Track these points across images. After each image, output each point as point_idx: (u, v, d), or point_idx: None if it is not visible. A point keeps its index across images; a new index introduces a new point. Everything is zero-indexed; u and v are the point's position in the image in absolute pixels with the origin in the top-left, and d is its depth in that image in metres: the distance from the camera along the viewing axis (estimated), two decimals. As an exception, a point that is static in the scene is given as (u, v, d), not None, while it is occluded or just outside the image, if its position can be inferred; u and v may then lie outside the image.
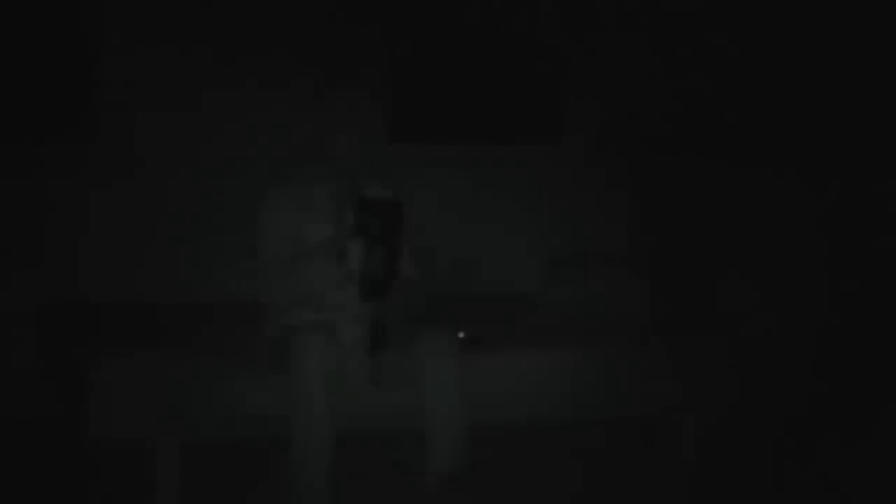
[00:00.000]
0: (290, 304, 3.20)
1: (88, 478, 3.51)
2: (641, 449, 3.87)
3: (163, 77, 4.49)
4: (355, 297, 3.17)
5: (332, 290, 3.17)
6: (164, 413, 3.20)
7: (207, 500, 3.33)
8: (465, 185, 4.89)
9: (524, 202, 4.95)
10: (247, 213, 3.31)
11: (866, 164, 4.45)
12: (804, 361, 4.36)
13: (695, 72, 4.89)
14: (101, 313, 4.04)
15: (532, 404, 3.50)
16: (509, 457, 3.62)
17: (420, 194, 4.25)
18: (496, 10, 4.91)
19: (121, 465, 3.46)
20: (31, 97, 4.39)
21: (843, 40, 4.47)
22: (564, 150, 5.00)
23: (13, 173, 4.33)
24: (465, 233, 4.85)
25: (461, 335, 3.41)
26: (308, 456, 2.94)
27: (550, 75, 5.00)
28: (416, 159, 4.70)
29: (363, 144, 3.23)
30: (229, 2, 4.54)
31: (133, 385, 3.18)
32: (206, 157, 4.55)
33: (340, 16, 4.65)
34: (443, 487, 3.01)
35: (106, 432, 3.17)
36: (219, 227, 4.48)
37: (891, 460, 3.72)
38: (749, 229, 4.70)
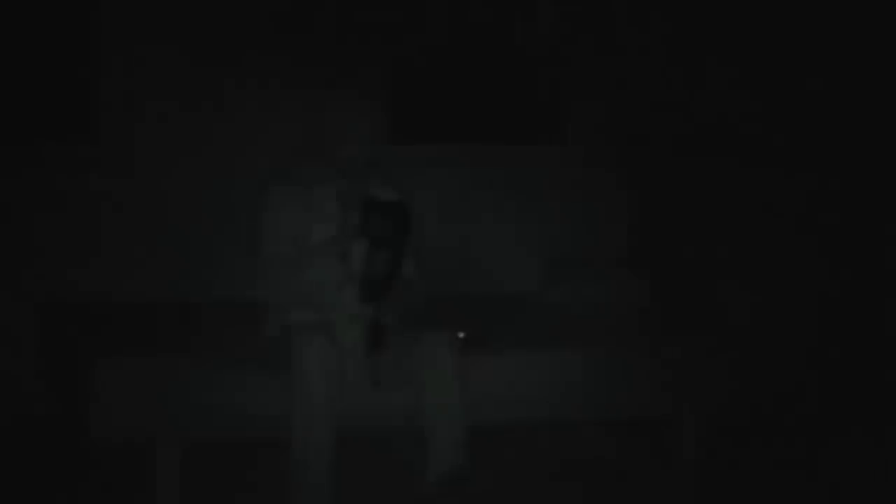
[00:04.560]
0: (291, 304, 3.19)
1: (88, 478, 3.51)
2: (641, 449, 3.87)
3: (164, 77, 4.49)
4: (355, 297, 3.16)
5: (333, 290, 3.16)
6: (164, 413, 3.20)
7: (207, 500, 3.33)
8: (465, 185, 4.89)
9: (524, 202, 4.95)
10: (247, 213, 3.31)
11: (866, 163, 4.45)
12: (804, 361, 4.36)
13: (695, 72, 4.89)
14: (101, 313, 4.04)
15: (532, 404, 3.49)
16: (509, 457, 3.62)
17: (420, 194, 4.25)
18: (497, 11, 4.92)
19: (121, 465, 3.46)
20: (33, 97, 4.39)
21: (842, 40, 4.47)
22: (565, 150, 5.00)
23: (13, 172, 4.33)
24: (465, 233, 4.85)
25: (461, 335, 3.41)
26: (308, 456, 2.94)
27: (551, 75, 5.00)
28: (417, 159, 4.71)
29: (364, 144, 3.23)
30: (230, 2, 4.54)
31: (133, 385, 3.17)
32: (207, 157, 4.56)
33: (342, 16, 4.65)
34: (443, 487, 3.01)
35: (106, 433, 3.16)
36: (219, 227, 4.48)
37: (891, 459, 3.72)
38: (749, 229, 4.70)
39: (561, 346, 3.61)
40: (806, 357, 4.36)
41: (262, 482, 3.36)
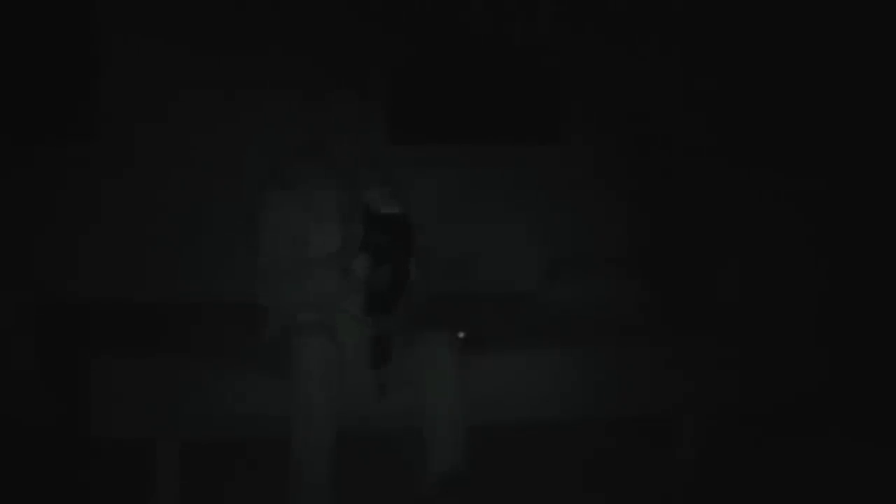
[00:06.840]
0: (292, 309, 3.18)
1: (89, 478, 3.51)
2: (641, 449, 3.87)
3: (163, 77, 4.49)
4: (358, 306, 3.15)
5: (335, 300, 3.15)
6: (164, 413, 3.20)
7: (207, 500, 3.33)
8: (465, 185, 4.89)
9: (524, 202, 4.95)
10: (247, 214, 3.30)
11: (864, 162, 4.45)
12: (804, 360, 4.36)
13: (694, 72, 4.89)
14: (101, 313, 4.03)
15: (532, 404, 3.50)
16: (509, 457, 3.62)
17: (420, 194, 4.25)
18: (496, 11, 4.91)
19: (121, 465, 3.46)
20: (32, 97, 4.39)
21: (840, 40, 4.47)
22: (564, 150, 5.00)
23: (13, 172, 4.33)
24: (465, 233, 4.85)
25: (461, 335, 3.40)
26: (308, 456, 2.94)
27: (550, 75, 5.00)
28: (416, 159, 4.70)
29: (364, 144, 3.23)
30: (230, 2, 4.54)
31: (133, 385, 3.18)
32: (206, 158, 4.55)
33: (340, 16, 4.65)
34: (443, 487, 3.01)
35: (106, 432, 3.17)
36: (218, 227, 4.48)
37: (891, 459, 3.72)
38: (748, 229, 4.70)
39: (561, 346, 3.61)
40: (806, 356, 4.36)
41: (262, 482, 3.36)
